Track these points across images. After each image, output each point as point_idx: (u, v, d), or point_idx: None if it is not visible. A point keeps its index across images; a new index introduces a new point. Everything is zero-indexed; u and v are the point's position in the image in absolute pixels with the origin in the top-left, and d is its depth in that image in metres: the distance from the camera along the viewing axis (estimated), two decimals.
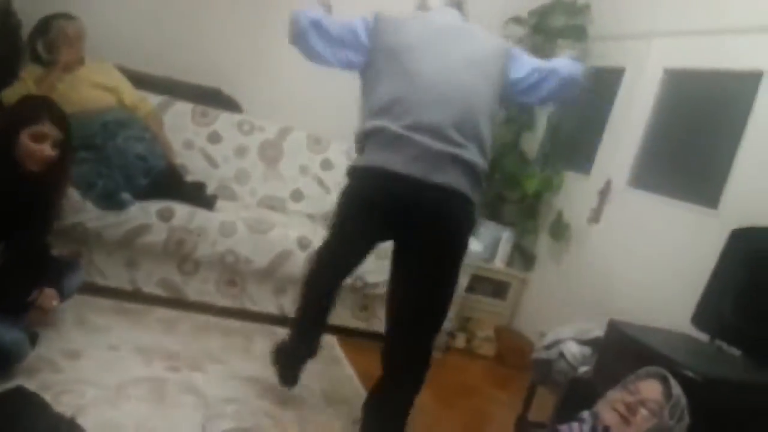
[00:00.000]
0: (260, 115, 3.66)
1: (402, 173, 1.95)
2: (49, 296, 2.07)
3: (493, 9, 4.05)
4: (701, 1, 3.11)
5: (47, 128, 2.04)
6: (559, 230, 3.63)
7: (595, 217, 3.41)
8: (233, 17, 3.70)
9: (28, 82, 2.92)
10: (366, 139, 2.06)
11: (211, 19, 3.69)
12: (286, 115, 3.74)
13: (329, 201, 3.40)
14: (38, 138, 2.02)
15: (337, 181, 3.55)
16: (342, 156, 3.63)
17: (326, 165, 3.63)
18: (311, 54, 2.19)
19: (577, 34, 3.78)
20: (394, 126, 1.98)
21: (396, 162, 1.96)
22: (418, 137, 1.96)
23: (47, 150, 2.04)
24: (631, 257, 3.15)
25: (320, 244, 2.32)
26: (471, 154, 2.01)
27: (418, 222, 2.00)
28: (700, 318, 2.39)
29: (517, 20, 4.03)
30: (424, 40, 2.11)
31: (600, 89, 3.72)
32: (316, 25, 2.12)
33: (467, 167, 2.00)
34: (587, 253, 3.47)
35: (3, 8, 3.21)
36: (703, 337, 2.37)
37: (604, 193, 3.39)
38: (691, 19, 3.15)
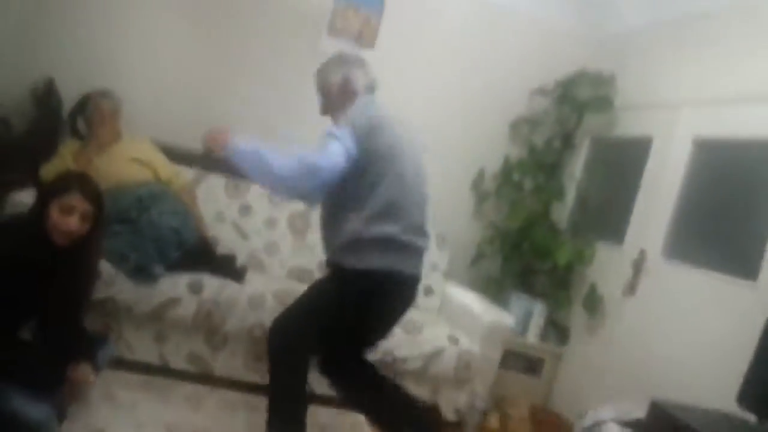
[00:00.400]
0: None
1: (410, 274, 2.31)
2: (85, 370, 2.05)
3: (518, 80, 4.13)
4: (729, 69, 3.10)
5: (75, 201, 2.00)
6: (593, 303, 3.53)
7: (631, 289, 3.33)
8: (264, 93, 3.81)
9: (66, 157, 3.01)
10: (373, 243, 2.22)
11: (244, 94, 3.80)
12: None
13: None
14: (66, 210, 1.99)
15: None
16: None
17: None
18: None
19: (603, 104, 3.80)
20: (398, 231, 2.23)
21: (407, 266, 2.28)
22: (415, 240, 2.28)
23: (73, 223, 2.00)
24: (669, 331, 3.05)
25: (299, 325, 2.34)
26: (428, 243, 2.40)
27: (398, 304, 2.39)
28: (745, 396, 2.27)
29: (542, 91, 4.08)
30: (403, 140, 2.32)
31: (628, 159, 3.71)
32: (331, 168, 2.15)
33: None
34: (623, 326, 3.37)
35: (46, 88, 3.36)
36: (751, 416, 2.26)
37: (638, 264, 3.32)
38: (719, 87, 3.15)
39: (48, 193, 2.02)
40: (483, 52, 4.11)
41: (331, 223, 2.37)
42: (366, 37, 3.88)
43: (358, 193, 2.24)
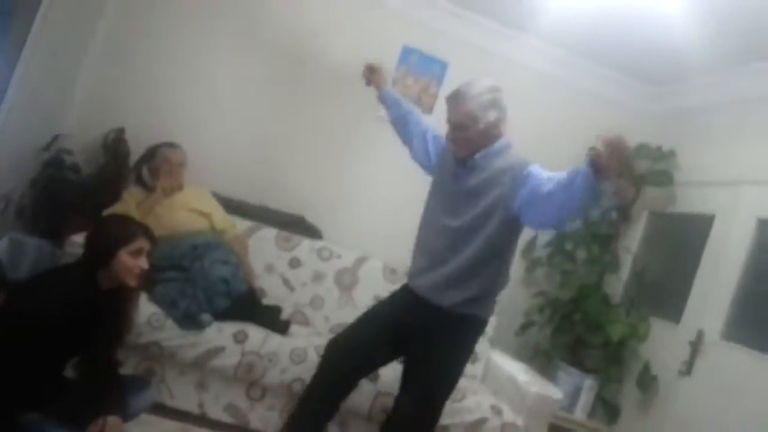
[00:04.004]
0: (339, 243, 3.75)
1: None
2: (113, 426, 2.02)
3: (575, 150, 4.09)
4: None
5: (142, 243, 2.13)
6: (647, 381, 3.37)
7: (687, 370, 3.17)
8: (319, 154, 3.92)
9: (129, 203, 3.12)
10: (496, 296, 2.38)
11: (300, 154, 3.92)
12: (364, 245, 3.81)
13: None
14: (136, 253, 2.11)
15: None
16: None
17: None
18: None
19: (663, 179, 3.72)
20: None
21: None
22: None
23: (144, 264, 2.13)
24: (726, 416, 2.88)
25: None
26: None
27: None
28: None
29: None
30: None
31: (688, 235, 3.60)
32: None
33: None
34: (678, 408, 3.19)
35: (116, 137, 3.54)
36: None
37: (695, 344, 3.17)
38: None
39: (116, 242, 2.10)
40: (541, 123, 4.11)
41: (470, 268, 2.25)
42: (424, 103, 3.97)
43: (512, 249, 2.33)
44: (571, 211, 2.03)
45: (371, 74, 2.80)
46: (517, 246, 2.35)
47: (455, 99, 2.26)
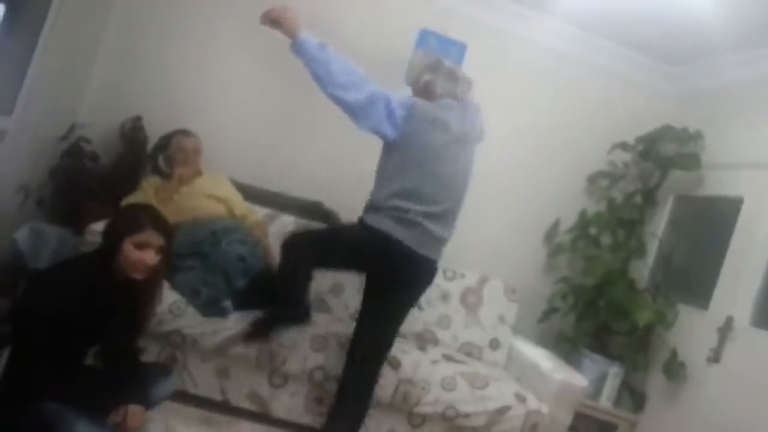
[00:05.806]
0: None
1: (419, 252, 2.53)
2: (135, 414, 2.01)
3: (598, 133, 4.03)
4: None
5: (149, 236, 2.04)
6: (674, 369, 3.30)
7: (715, 357, 3.10)
8: (335, 137, 3.87)
9: (147, 191, 3.11)
10: (387, 209, 2.51)
11: (315, 138, 3.88)
12: None
13: (414, 316, 3.35)
14: (141, 246, 2.03)
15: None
16: None
17: None
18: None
19: (690, 162, 3.62)
20: (414, 210, 2.49)
21: (408, 239, 2.49)
22: (427, 224, 2.51)
23: (149, 258, 2.04)
24: (756, 403, 2.81)
25: (311, 234, 2.83)
26: (449, 233, 2.64)
27: (398, 270, 2.57)
28: None
29: (623, 146, 3.95)
30: (446, 146, 2.56)
31: (716, 219, 3.51)
32: (381, 100, 2.55)
33: (444, 243, 2.65)
34: (706, 395, 3.12)
35: (134, 125, 3.52)
36: None
37: (724, 331, 3.09)
38: None
39: (121, 231, 2.04)
40: (563, 104, 4.05)
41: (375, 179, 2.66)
42: None
43: (387, 167, 2.60)
44: (319, 84, 2.65)
45: None
46: (390, 164, 2.59)
47: None
